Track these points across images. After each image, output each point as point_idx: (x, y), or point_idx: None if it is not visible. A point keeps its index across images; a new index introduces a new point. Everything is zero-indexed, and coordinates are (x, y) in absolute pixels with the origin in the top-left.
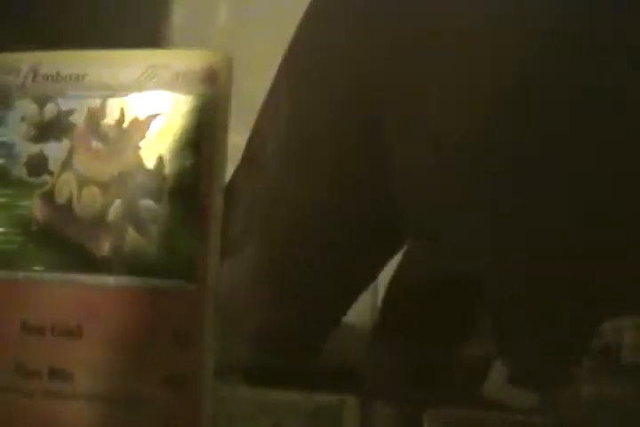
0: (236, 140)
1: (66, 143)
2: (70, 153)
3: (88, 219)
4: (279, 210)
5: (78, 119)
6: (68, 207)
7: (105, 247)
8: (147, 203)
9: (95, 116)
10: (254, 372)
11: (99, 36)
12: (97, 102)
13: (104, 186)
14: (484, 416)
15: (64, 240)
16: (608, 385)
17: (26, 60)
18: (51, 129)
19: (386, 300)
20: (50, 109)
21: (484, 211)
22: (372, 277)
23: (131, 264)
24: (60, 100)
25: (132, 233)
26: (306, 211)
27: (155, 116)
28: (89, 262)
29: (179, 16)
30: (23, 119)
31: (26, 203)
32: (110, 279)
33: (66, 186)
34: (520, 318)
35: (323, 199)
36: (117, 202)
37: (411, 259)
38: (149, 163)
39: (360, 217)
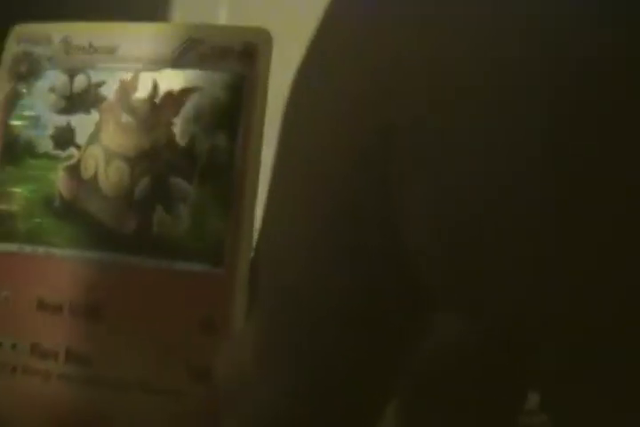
0: None
1: (95, 116)
2: (98, 126)
3: (114, 195)
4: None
5: (109, 92)
6: (93, 182)
7: (130, 226)
8: (177, 181)
9: (126, 90)
10: None
11: None
12: (129, 75)
13: (132, 161)
14: None
15: (88, 217)
16: None
17: (57, 30)
18: (80, 101)
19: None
20: (80, 81)
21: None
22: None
23: (156, 245)
24: (90, 72)
25: (159, 212)
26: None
27: (189, 92)
28: (112, 241)
29: (179, 16)
30: (52, 90)
31: (50, 176)
32: (134, 260)
33: (92, 160)
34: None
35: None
36: (145, 179)
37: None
38: (181, 140)
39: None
